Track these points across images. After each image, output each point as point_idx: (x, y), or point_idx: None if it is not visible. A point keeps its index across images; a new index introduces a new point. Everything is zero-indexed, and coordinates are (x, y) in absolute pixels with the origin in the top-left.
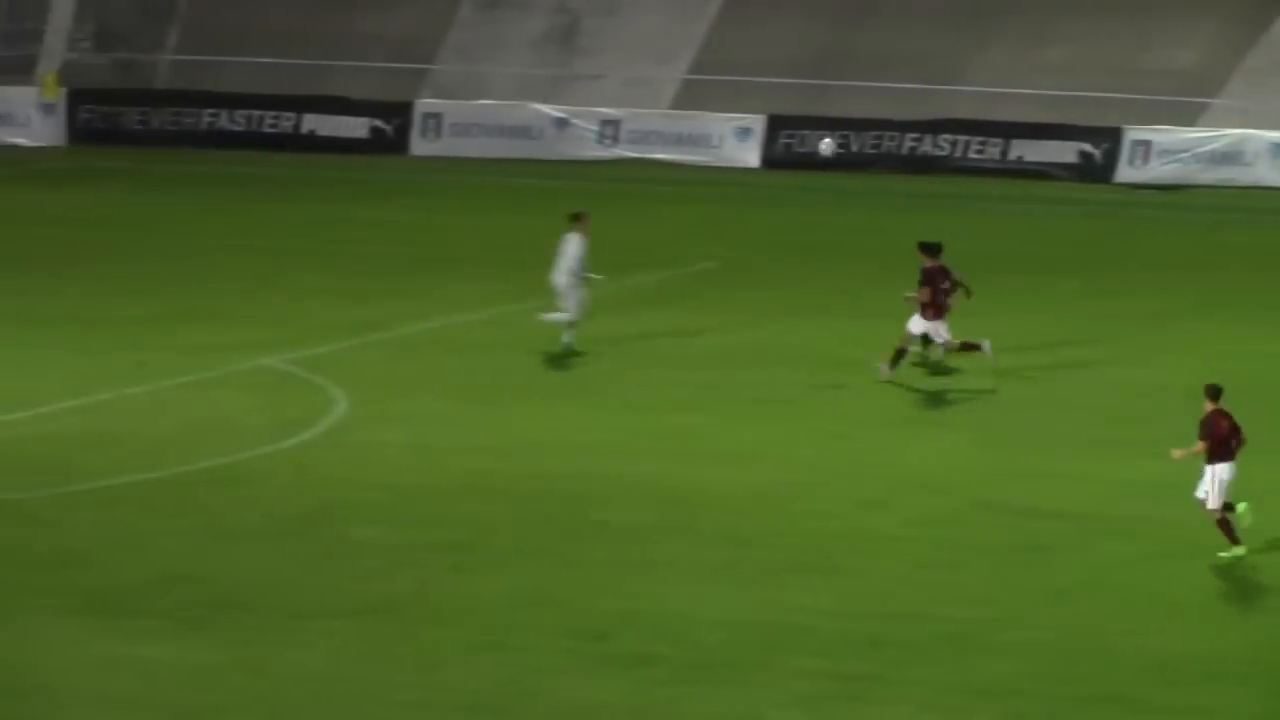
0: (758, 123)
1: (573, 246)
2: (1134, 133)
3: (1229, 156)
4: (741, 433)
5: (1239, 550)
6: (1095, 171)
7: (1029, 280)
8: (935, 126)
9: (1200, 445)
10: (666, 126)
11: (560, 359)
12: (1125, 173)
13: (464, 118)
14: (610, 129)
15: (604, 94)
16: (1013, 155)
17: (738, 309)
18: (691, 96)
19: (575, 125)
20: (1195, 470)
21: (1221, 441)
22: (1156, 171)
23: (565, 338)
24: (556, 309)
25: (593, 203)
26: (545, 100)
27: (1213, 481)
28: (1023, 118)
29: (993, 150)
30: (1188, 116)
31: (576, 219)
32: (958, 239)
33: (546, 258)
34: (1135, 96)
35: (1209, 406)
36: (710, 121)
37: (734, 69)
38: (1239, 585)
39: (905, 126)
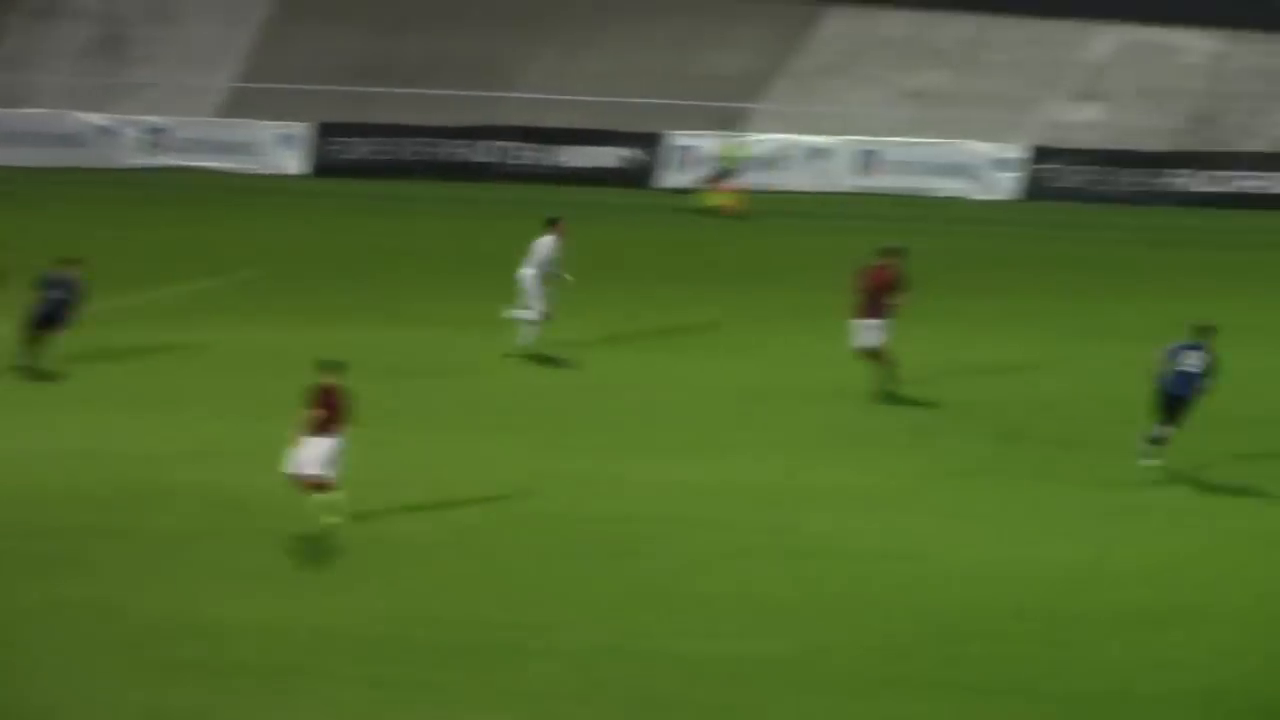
0: (304, 130)
1: (545, 249)
2: (676, 138)
3: (771, 161)
4: (284, 438)
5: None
6: (637, 177)
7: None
8: (479, 133)
9: (314, 414)
10: (213, 134)
11: (92, 367)
12: (668, 178)
13: (8, 126)
14: (156, 137)
15: (152, 102)
16: (558, 161)
17: (281, 314)
18: (240, 104)
19: (120, 133)
20: (750, 473)
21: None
22: (699, 177)
23: (522, 339)
24: (524, 306)
25: (137, 211)
26: (94, 109)
27: (316, 451)
28: (570, 124)
29: (537, 156)
30: (732, 122)
31: (552, 224)
32: (504, 244)
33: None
34: (681, 102)
35: (324, 381)
36: (256, 129)
37: (283, 77)
38: (785, 586)
39: (450, 133)
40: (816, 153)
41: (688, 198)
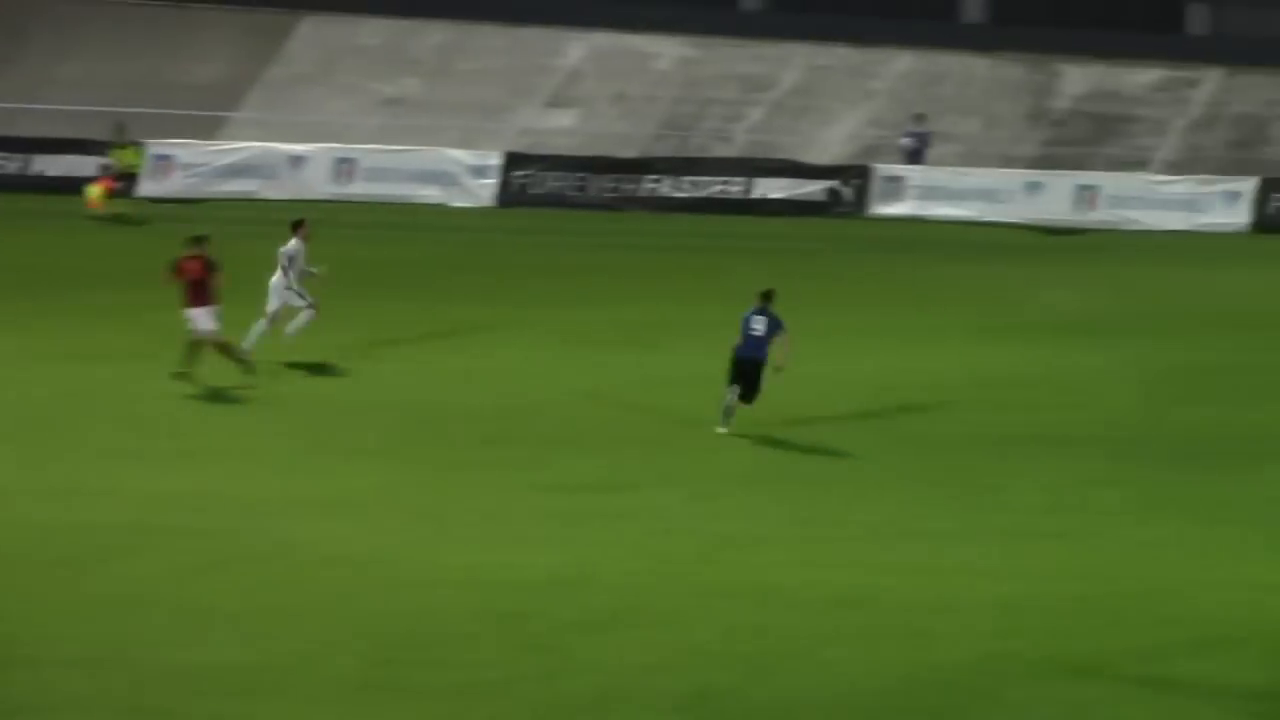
0: None
1: (292, 252)
2: (154, 147)
3: (249, 169)
4: None
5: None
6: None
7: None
8: None
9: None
10: None
11: None
12: (148, 187)
13: None
14: None
15: None
16: (35, 170)
17: None
18: None
19: None
20: (228, 482)
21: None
22: (179, 185)
23: (249, 340)
24: (296, 313)
25: None
26: None
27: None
28: (46, 133)
29: (13, 165)
30: (209, 130)
31: (297, 226)
32: None
33: None
34: (158, 110)
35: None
36: None
37: None
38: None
39: None
40: (294, 161)
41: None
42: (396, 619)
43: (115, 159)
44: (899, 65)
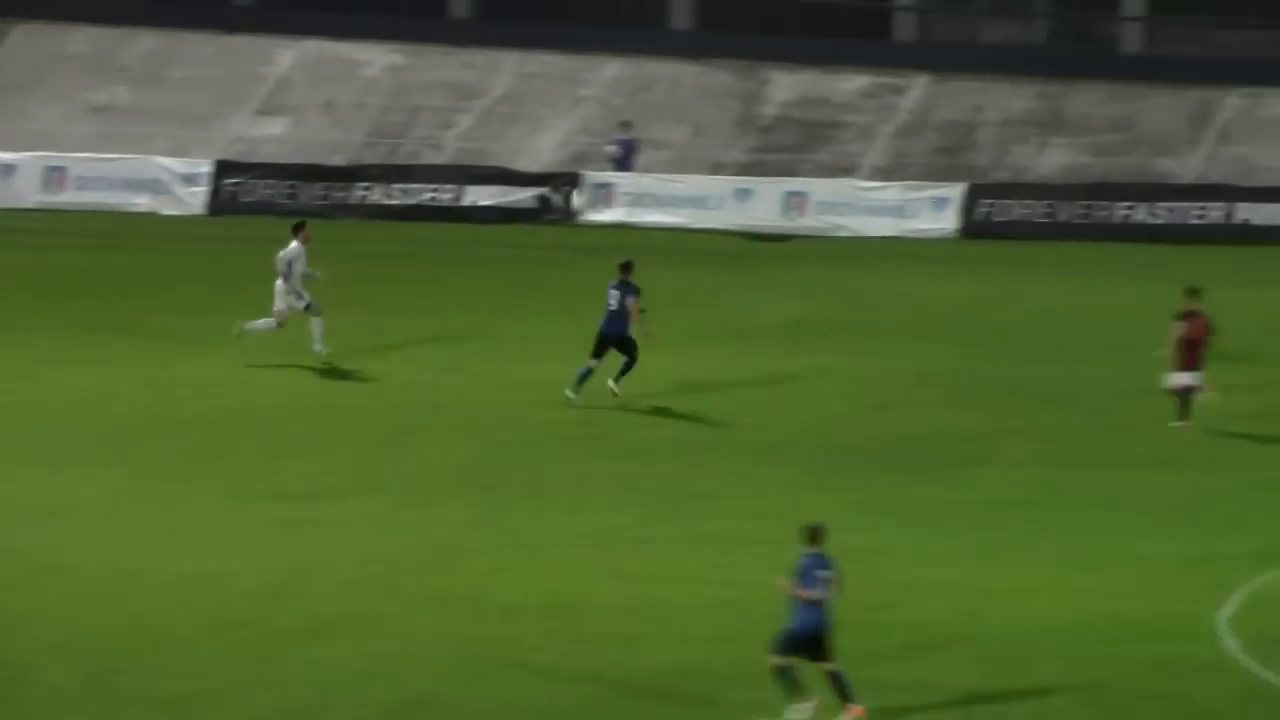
0: None
1: (291, 255)
2: None
3: None
4: None
5: None
6: None
7: None
8: None
9: None
10: None
11: None
12: None
13: None
14: None
15: None
16: None
17: None
18: None
19: None
20: None
21: None
22: None
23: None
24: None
25: None
26: None
27: None
28: None
29: None
30: None
31: (298, 229)
32: None
33: None
34: None
35: None
36: None
37: None
38: None
39: None
40: (3, 169)
41: None
42: (114, 628)
43: None
44: (608, 72)
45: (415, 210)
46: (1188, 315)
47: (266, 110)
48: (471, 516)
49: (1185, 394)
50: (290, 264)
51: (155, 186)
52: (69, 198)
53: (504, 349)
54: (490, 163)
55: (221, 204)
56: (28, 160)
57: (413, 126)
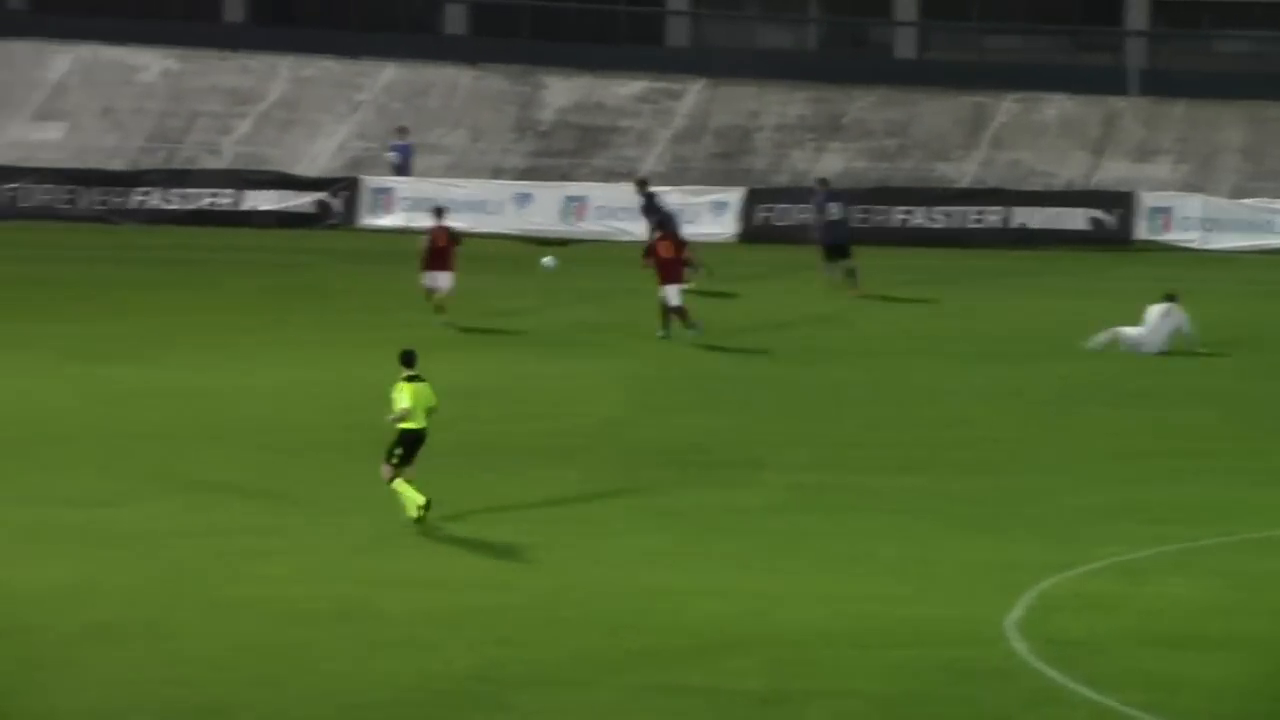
0: None
1: None
2: None
3: None
4: None
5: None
6: None
7: None
8: None
9: None
10: None
11: None
12: None
13: None
14: None
15: None
16: None
17: None
18: None
19: None
20: None
21: None
22: None
23: None
24: None
25: None
26: None
27: None
28: None
29: None
30: None
31: None
32: None
33: None
34: None
35: None
36: None
37: None
38: None
39: None
40: None
41: None
42: None
43: None
44: (384, 77)
45: (195, 215)
46: None
47: (43, 115)
48: (255, 523)
49: None
50: None
51: None
52: None
53: (289, 351)
54: (269, 168)
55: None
56: None
57: (190, 131)
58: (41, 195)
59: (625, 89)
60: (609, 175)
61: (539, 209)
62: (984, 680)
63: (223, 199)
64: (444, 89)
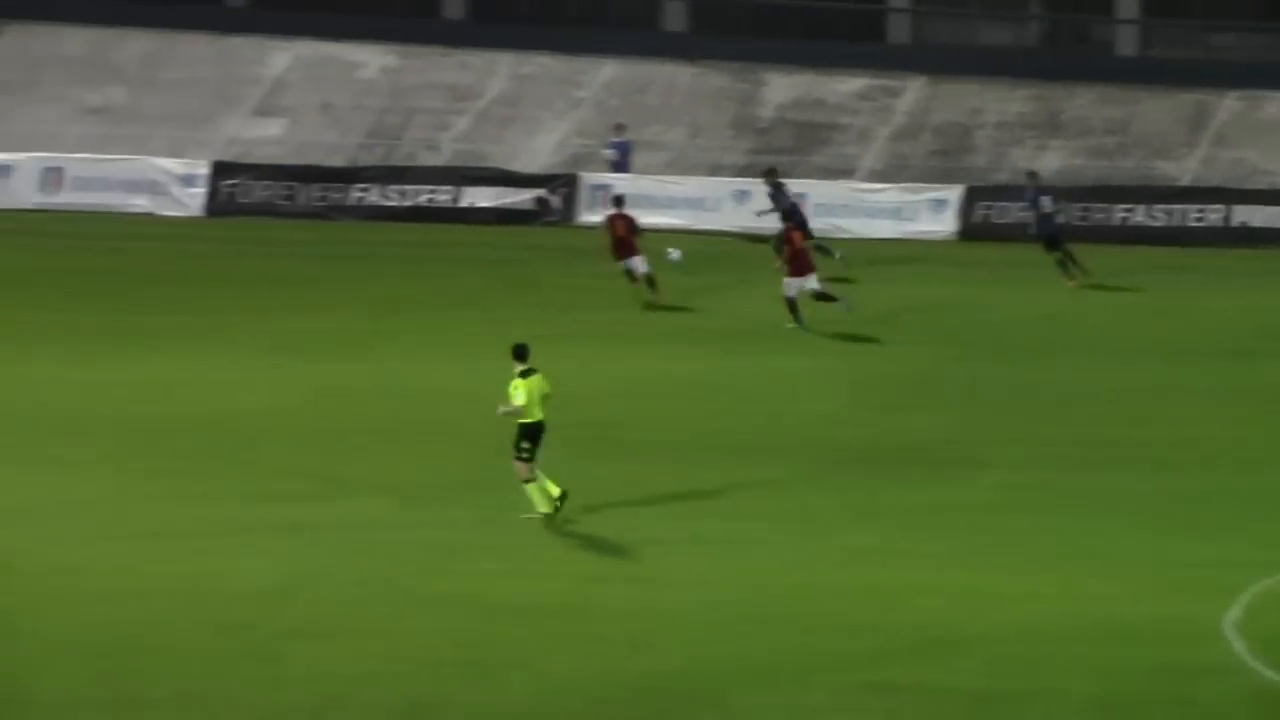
0: None
1: None
2: None
3: None
4: None
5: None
6: None
7: None
8: None
9: None
10: None
11: None
12: None
13: None
14: None
15: None
16: None
17: None
18: None
19: None
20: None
21: None
22: None
23: None
24: None
25: None
26: None
27: None
28: None
29: None
30: None
31: None
32: None
33: None
34: None
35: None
36: None
37: None
38: None
39: None
40: (0, 170)
41: None
42: (115, 630)
43: None
44: (603, 74)
45: (413, 212)
46: None
47: (263, 111)
48: (472, 519)
49: None
50: None
51: (153, 188)
52: (66, 199)
53: (504, 348)
54: (487, 164)
55: (219, 205)
56: (25, 161)
57: (409, 128)
58: (261, 192)
59: (845, 86)
60: (828, 173)
61: (757, 206)
62: (1202, 679)
63: (441, 195)
64: (663, 86)
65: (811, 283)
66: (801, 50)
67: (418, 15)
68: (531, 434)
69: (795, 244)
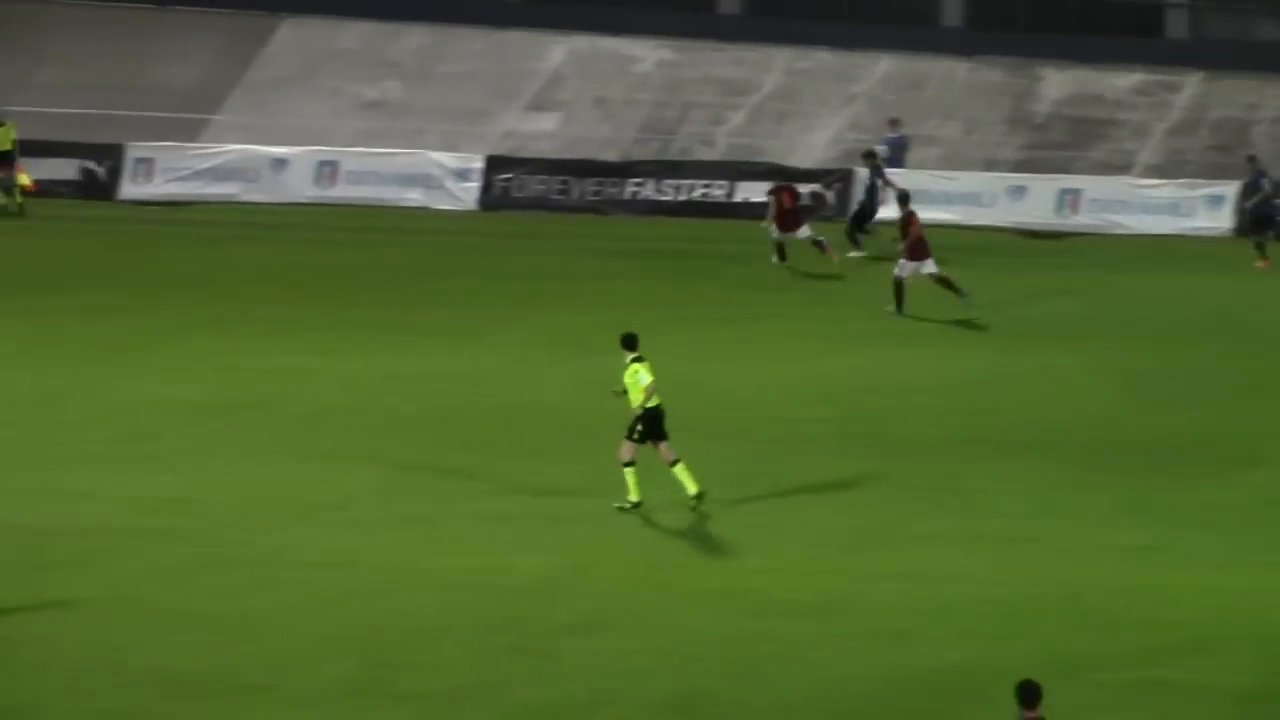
0: None
1: None
2: (136, 150)
3: (231, 172)
4: None
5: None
6: (98, 189)
7: (29, 300)
8: None
9: None
10: None
11: None
12: (129, 190)
13: None
14: None
15: None
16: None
17: None
18: None
19: None
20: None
21: None
22: (161, 189)
23: None
24: None
25: None
26: None
27: None
28: (25, 136)
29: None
30: (189, 133)
31: None
32: None
33: None
34: (138, 114)
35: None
36: None
37: None
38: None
39: None
40: (275, 164)
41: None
42: (387, 623)
43: None
44: (879, 69)
45: (687, 206)
46: None
47: (537, 106)
48: (741, 514)
49: None
50: None
51: (427, 181)
52: (341, 192)
53: (776, 345)
54: (762, 159)
55: (493, 199)
56: (300, 155)
57: (684, 122)
58: (535, 185)
59: (1122, 81)
60: (1104, 168)
61: (1033, 202)
62: None
63: (716, 190)
64: (939, 81)
65: (929, 267)
66: (1078, 45)
67: (693, 10)
68: (651, 418)
69: (915, 230)
